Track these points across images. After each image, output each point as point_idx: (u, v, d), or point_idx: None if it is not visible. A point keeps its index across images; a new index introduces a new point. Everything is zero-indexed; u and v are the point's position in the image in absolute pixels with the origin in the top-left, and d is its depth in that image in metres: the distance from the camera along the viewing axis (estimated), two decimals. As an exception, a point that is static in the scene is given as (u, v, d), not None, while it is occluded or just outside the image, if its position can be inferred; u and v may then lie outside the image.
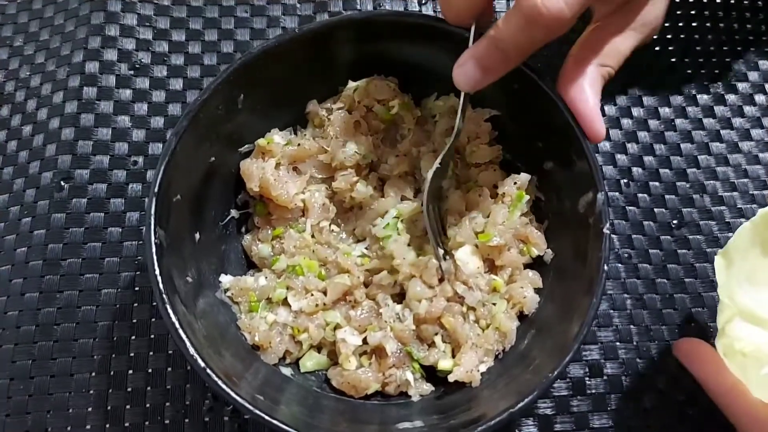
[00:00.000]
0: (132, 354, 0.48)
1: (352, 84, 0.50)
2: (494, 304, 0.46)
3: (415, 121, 0.51)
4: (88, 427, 0.46)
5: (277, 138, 0.49)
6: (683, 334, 0.51)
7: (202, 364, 0.37)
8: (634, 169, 0.56)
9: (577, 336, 0.39)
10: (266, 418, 0.36)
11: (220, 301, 0.46)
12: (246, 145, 0.49)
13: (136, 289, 0.50)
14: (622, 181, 0.56)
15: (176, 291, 0.40)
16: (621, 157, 0.57)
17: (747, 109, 0.60)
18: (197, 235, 0.45)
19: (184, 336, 0.37)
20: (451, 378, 0.43)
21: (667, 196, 0.55)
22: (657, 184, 0.56)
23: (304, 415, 0.41)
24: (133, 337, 0.49)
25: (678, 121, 0.59)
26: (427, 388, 0.46)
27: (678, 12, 0.63)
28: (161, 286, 0.38)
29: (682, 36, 0.62)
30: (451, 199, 0.49)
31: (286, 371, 0.46)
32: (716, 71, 0.61)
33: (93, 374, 0.47)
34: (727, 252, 0.43)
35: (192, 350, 0.37)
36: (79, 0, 0.59)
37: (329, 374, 0.46)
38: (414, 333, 0.46)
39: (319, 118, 0.51)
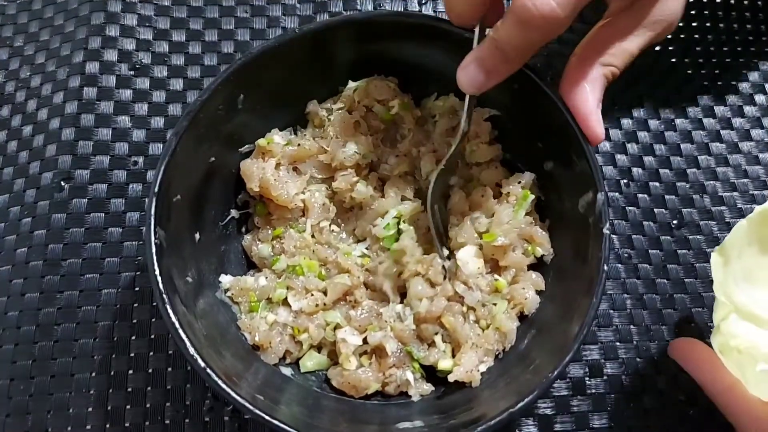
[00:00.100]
0: (132, 354, 0.48)
1: (352, 84, 0.50)
2: (494, 304, 0.46)
3: (415, 121, 0.51)
4: (88, 427, 0.46)
5: (277, 138, 0.49)
6: (683, 334, 0.51)
7: (202, 364, 0.37)
8: (634, 169, 0.56)
9: (577, 336, 0.38)
10: (266, 418, 0.36)
11: (220, 301, 0.46)
12: (246, 145, 0.49)
13: (137, 289, 0.50)
14: (622, 182, 0.56)
15: (176, 291, 0.40)
16: (621, 158, 0.57)
17: (747, 109, 0.60)
18: (197, 235, 0.45)
19: (184, 336, 0.37)
20: (451, 378, 0.43)
21: (667, 197, 0.55)
22: (657, 184, 0.56)
23: (304, 415, 0.41)
24: (134, 338, 0.49)
25: (678, 121, 0.59)
26: (428, 388, 0.45)
27: (678, 12, 0.63)
28: (161, 286, 0.38)
29: (682, 36, 0.62)
30: (454, 199, 0.49)
31: (286, 371, 0.46)
32: (716, 71, 0.61)
33: (93, 374, 0.47)
34: (723, 249, 0.43)
35: (192, 350, 0.37)
36: (79, 0, 0.59)
37: (329, 374, 0.46)
38: (414, 333, 0.46)
39: (319, 118, 0.51)
